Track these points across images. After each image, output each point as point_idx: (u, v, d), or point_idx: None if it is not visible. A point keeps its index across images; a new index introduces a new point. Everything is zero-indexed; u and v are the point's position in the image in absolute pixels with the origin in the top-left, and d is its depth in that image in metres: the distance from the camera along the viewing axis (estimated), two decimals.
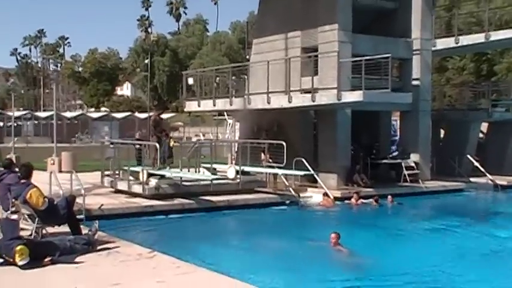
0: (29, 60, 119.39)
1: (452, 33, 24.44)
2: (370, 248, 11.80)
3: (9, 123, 40.17)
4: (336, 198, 17.48)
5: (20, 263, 7.68)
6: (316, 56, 18.83)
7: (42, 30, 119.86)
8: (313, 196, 17.83)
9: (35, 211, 9.12)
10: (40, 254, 7.96)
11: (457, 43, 24.02)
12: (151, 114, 20.04)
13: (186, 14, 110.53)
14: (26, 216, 9.44)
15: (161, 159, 16.55)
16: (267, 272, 9.28)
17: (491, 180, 21.91)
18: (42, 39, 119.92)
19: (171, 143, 17.67)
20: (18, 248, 7.73)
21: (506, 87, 27.22)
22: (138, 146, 17.74)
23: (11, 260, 7.74)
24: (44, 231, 9.41)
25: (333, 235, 11.22)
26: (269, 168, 18.24)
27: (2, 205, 10.17)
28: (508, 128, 24.88)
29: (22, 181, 9.40)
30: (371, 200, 17.35)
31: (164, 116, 62.81)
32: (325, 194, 17.41)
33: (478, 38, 24.10)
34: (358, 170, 19.20)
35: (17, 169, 10.71)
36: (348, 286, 8.91)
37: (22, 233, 8.69)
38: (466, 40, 24.26)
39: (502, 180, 21.90)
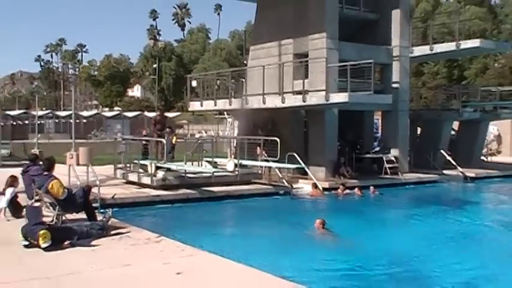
0: (51, 66, 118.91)
1: (428, 41, 24.38)
2: (354, 232, 11.86)
3: (33, 122, 40.01)
4: (324, 189, 17.50)
5: (43, 246, 7.69)
6: (307, 61, 18.81)
7: (63, 38, 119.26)
8: (304, 187, 17.82)
9: (56, 200, 9.12)
10: (60, 237, 7.98)
11: (431, 50, 24.00)
12: (158, 113, 19.95)
13: (190, 23, 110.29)
14: (48, 204, 9.43)
15: (162, 153, 16.53)
16: (261, 254, 9.26)
17: (461, 172, 21.94)
18: (62, 47, 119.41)
19: (174, 140, 17.63)
20: (42, 232, 7.74)
21: (475, 90, 27.20)
22: (144, 142, 17.75)
23: (35, 242, 7.77)
24: (63, 218, 9.41)
25: (317, 221, 11.25)
26: (264, 162, 18.22)
27: (27, 194, 10.19)
28: (476, 126, 25.01)
29: (45, 173, 9.39)
30: (355, 190, 17.35)
31: (170, 114, 62.76)
32: (315, 185, 17.41)
33: (450, 46, 24.09)
34: (343, 162, 19.22)
35: (40, 162, 10.72)
36: (333, 265, 8.93)
37: (44, 219, 8.67)
38: (439, 48, 24.24)
39: (470, 173, 21.96)
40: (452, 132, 25.77)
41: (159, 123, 18.07)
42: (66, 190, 9.22)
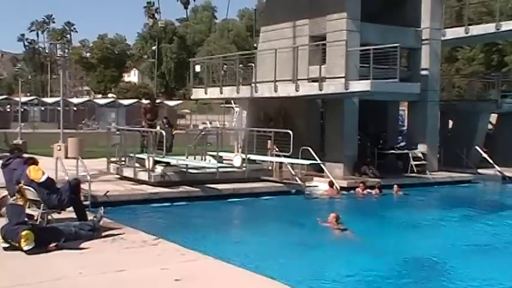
0: (36, 46, 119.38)
1: (463, 22, 24.24)
2: (370, 237, 11.91)
3: (16, 109, 40.34)
4: (341, 188, 17.51)
5: (25, 248, 7.72)
6: (324, 44, 18.77)
7: (50, 15, 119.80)
8: (319, 185, 17.86)
9: (40, 197, 9.16)
10: (45, 239, 8.00)
11: (467, 33, 23.83)
12: (148, 101, 20.05)
13: (194, 0, 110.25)
14: (32, 201, 9.49)
15: (153, 146, 16.63)
16: (271, 259, 9.32)
17: (499, 171, 21.83)
18: (50, 25, 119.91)
19: (173, 131, 17.72)
20: (24, 233, 7.77)
21: None
22: (143, 133, 17.81)
23: (17, 245, 7.77)
24: (49, 217, 9.46)
25: (331, 215, 12.01)
26: (275, 157, 18.25)
27: (8, 190, 10.23)
28: None
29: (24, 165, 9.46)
30: (375, 189, 17.35)
31: (171, 103, 62.76)
32: (331, 184, 17.42)
33: (489, 28, 23.92)
34: (368, 162, 19.17)
35: (24, 155, 10.77)
36: (347, 272, 9.00)
37: (27, 219, 8.73)
38: (476, 30, 24.08)
39: (510, 172, 21.81)
40: (490, 126, 25.62)
41: (149, 112, 18.12)
42: (46, 173, 9.26)
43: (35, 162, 9.56)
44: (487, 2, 36.67)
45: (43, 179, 9.12)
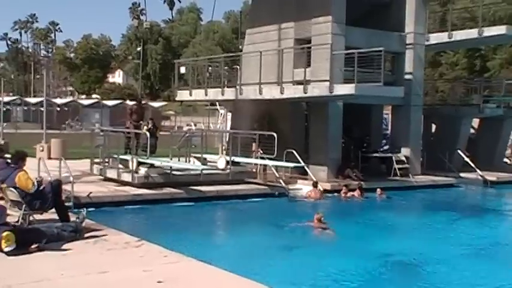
0: (20, 45, 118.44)
1: (446, 28, 24.48)
2: (353, 236, 12.10)
3: None
4: (325, 191, 17.56)
5: (6, 250, 7.65)
6: (309, 47, 18.83)
7: (34, 14, 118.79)
8: (303, 188, 17.88)
9: (22, 196, 9.10)
10: (26, 240, 7.92)
11: (450, 38, 24.07)
12: (134, 102, 19.98)
13: (180, 1, 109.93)
14: (13, 202, 9.41)
15: (142, 148, 16.58)
16: (254, 261, 9.35)
17: (481, 175, 22.01)
18: (33, 24, 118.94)
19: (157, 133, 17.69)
20: (4, 234, 7.70)
21: (499, 84, 27.28)
22: (128, 135, 17.73)
23: None
24: (31, 218, 9.39)
25: (316, 216, 12.41)
26: (260, 160, 18.27)
27: None
28: (499, 124, 25.06)
29: (11, 166, 9.38)
30: (356, 190, 17.44)
31: (155, 104, 62.52)
32: (314, 184, 17.42)
33: (472, 33, 24.15)
34: (352, 165, 19.24)
35: (6, 155, 10.69)
36: (332, 274, 9.04)
37: (9, 219, 8.65)
38: (459, 35, 24.32)
39: (491, 176, 22.04)
40: (472, 131, 25.87)
41: (135, 113, 18.07)
42: (35, 182, 9.21)
43: (24, 158, 9.46)
44: (470, 8, 37.14)
45: (33, 189, 9.06)
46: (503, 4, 40.37)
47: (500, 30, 23.51)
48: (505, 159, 27.12)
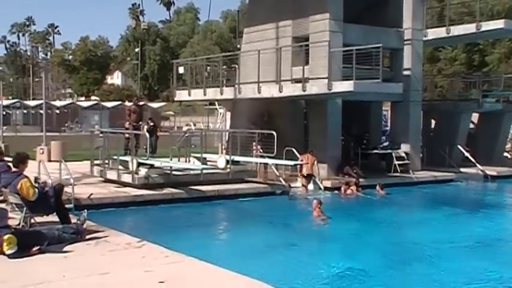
0: (18, 49, 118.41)
1: (444, 23, 24.47)
2: (353, 233, 12.15)
3: None
4: (326, 188, 17.58)
5: (8, 252, 7.67)
6: (307, 45, 18.84)
7: (31, 17, 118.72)
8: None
9: (24, 201, 9.12)
10: (28, 243, 7.94)
11: (448, 33, 24.07)
12: (133, 102, 19.99)
13: (173, 4, 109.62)
14: (14, 205, 9.43)
15: (136, 148, 16.59)
16: (255, 260, 9.35)
17: (481, 170, 22.05)
18: (31, 27, 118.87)
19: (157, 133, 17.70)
20: (6, 237, 7.72)
21: (498, 78, 27.29)
22: (127, 136, 17.76)
23: None
24: (32, 221, 9.41)
25: (314, 201, 13.25)
26: (259, 158, 18.27)
27: None
28: (498, 119, 25.08)
29: (13, 170, 9.38)
30: (353, 185, 17.49)
31: (154, 105, 62.44)
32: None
33: (470, 28, 24.15)
34: (352, 163, 19.25)
35: (5, 158, 10.70)
36: (335, 274, 9.05)
37: (10, 222, 8.67)
38: (457, 30, 24.32)
39: (491, 171, 22.07)
40: (471, 126, 25.88)
41: (134, 114, 18.07)
42: (37, 191, 9.22)
43: (24, 161, 9.46)
44: (468, 3, 37.04)
45: (34, 198, 9.07)
46: None
47: (498, 24, 23.53)
48: (505, 154, 27.15)
